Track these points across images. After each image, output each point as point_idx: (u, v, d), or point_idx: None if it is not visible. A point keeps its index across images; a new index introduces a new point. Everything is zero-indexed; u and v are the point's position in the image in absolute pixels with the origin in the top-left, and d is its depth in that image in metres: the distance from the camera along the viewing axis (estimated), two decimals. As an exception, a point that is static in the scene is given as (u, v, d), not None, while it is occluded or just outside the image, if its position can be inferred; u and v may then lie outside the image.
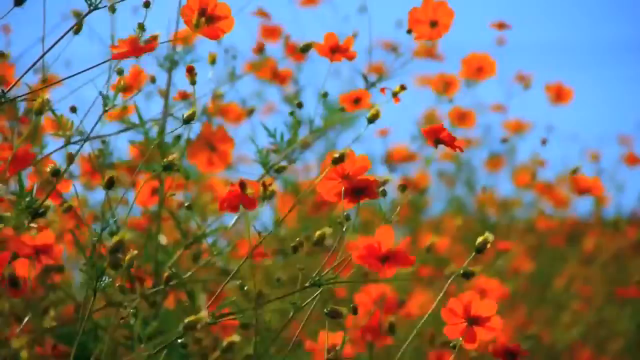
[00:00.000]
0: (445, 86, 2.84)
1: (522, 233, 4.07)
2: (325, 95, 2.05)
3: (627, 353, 3.57)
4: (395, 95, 1.90)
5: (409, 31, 1.90)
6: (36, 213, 1.66)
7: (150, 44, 1.61)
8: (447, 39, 2.43)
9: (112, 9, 1.68)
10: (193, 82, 1.83)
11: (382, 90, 1.87)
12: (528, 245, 3.94)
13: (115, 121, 2.26)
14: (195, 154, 2.09)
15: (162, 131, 2.13)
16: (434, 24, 1.85)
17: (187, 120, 1.69)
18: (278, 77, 2.68)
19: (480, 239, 1.60)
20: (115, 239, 1.60)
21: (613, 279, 3.87)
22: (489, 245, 1.59)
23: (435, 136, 1.62)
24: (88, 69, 1.65)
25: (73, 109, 1.91)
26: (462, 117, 3.19)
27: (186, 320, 1.56)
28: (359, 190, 1.62)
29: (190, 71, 1.82)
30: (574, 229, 4.18)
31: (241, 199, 1.66)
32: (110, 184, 1.64)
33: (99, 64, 1.66)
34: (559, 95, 3.27)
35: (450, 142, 1.62)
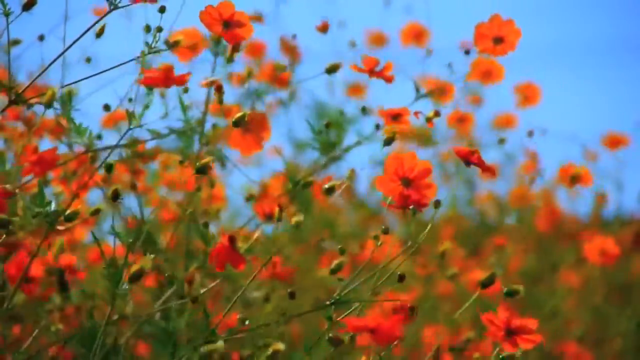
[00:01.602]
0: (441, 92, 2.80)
1: (520, 233, 4.05)
2: (364, 109, 2.04)
3: (627, 354, 3.55)
4: (429, 120, 1.89)
5: (467, 52, 1.96)
6: (54, 221, 1.62)
7: (183, 78, 1.62)
8: (446, 39, 2.41)
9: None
10: (220, 102, 1.83)
11: (416, 114, 1.85)
12: (526, 244, 3.92)
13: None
14: (231, 136, 2.09)
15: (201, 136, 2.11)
16: (498, 40, 1.85)
17: (237, 123, 1.66)
18: (278, 81, 2.63)
19: (486, 275, 1.61)
20: (135, 268, 1.57)
21: (612, 279, 3.84)
22: (495, 281, 1.62)
23: (466, 158, 1.61)
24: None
25: (107, 107, 1.90)
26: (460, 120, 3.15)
27: (202, 349, 1.55)
28: (406, 206, 1.59)
29: (219, 90, 1.82)
30: (572, 228, 4.15)
31: (230, 257, 1.63)
32: (115, 196, 1.62)
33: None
34: (527, 96, 3.25)
35: (481, 164, 1.61)
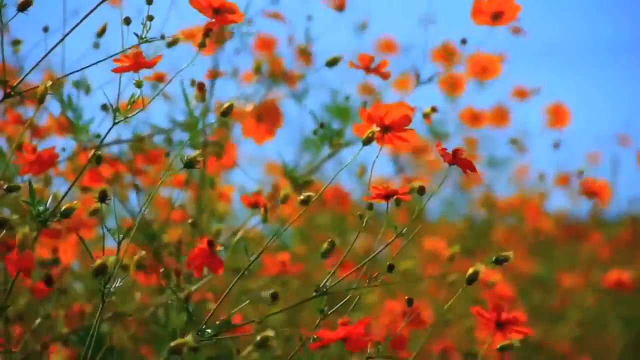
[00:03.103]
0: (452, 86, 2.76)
1: (520, 234, 4.00)
2: (365, 104, 2.02)
3: (624, 354, 3.50)
4: (426, 116, 1.87)
5: (464, 41, 2.01)
6: (46, 221, 1.56)
7: (153, 60, 1.57)
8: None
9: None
10: (202, 99, 1.81)
11: (413, 109, 1.81)
12: (525, 245, 3.87)
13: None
14: (244, 125, 2.10)
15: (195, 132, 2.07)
16: (497, 15, 1.85)
17: (225, 114, 1.62)
18: (286, 77, 2.56)
19: (470, 271, 1.56)
20: (98, 262, 1.51)
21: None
22: (479, 277, 1.55)
23: (451, 159, 1.56)
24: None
25: (105, 107, 1.86)
26: (474, 118, 3.11)
27: (172, 344, 1.48)
28: (389, 195, 1.56)
29: (201, 88, 1.80)
30: (570, 228, 4.10)
31: (208, 260, 1.59)
32: (103, 197, 1.57)
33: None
34: (557, 116, 3.21)
35: (464, 164, 1.56)
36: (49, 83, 1.60)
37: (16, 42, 2.01)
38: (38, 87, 1.60)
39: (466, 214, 4.20)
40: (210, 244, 1.58)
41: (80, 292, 2.34)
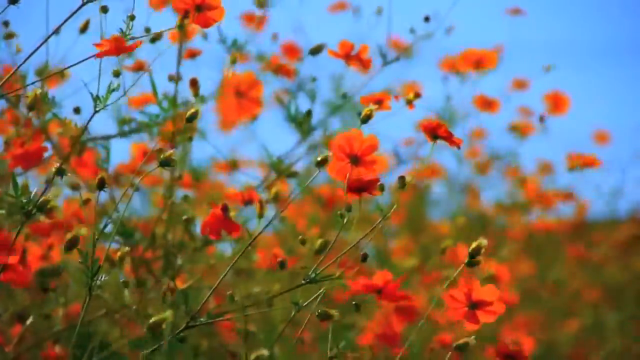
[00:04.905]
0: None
1: (518, 235, 3.96)
2: (345, 95, 1.98)
3: (621, 354, 3.46)
4: (409, 102, 1.83)
5: (427, 19, 1.98)
6: (29, 213, 1.52)
7: (134, 44, 1.54)
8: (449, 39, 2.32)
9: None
10: (196, 95, 1.77)
11: (396, 97, 1.79)
12: (523, 246, 3.84)
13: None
14: (223, 102, 2.05)
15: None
16: None
17: (190, 119, 1.58)
18: (282, 71, 2.51)
19: (473, 245, 1.51)
20: (69, 235, 1.53)
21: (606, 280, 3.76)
22: (482, 251, 1.50)
23: (433, 132, 1.52)
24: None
25: (77, 110, 1.83)
26: (487, 104, 3.05)
27: (151, 320, 1.48)
28: (361, 187, 1.52)
29: (194, 84, 1.77)
30: (567, 230, 4.06)
31: (224, 224, 1.59)
32: (101, 185, 1.54)
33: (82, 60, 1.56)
34: (556, 104, 3.17)
35: (448, 138, 1.52)
36: (39, 91, 1.59)
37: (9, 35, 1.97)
38: (19, 89, 1.58)
39: (464, 212, 4.17)
40: (225, 209, 1.59)
41: (79, 291, 2.31)
